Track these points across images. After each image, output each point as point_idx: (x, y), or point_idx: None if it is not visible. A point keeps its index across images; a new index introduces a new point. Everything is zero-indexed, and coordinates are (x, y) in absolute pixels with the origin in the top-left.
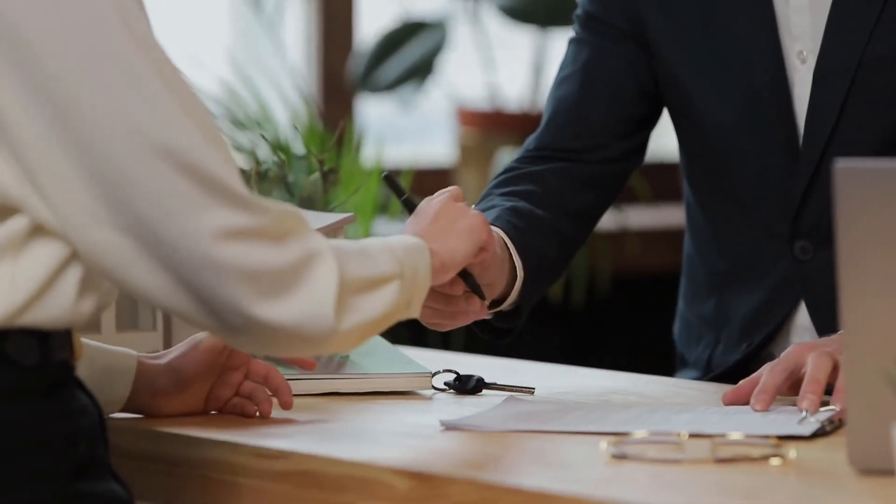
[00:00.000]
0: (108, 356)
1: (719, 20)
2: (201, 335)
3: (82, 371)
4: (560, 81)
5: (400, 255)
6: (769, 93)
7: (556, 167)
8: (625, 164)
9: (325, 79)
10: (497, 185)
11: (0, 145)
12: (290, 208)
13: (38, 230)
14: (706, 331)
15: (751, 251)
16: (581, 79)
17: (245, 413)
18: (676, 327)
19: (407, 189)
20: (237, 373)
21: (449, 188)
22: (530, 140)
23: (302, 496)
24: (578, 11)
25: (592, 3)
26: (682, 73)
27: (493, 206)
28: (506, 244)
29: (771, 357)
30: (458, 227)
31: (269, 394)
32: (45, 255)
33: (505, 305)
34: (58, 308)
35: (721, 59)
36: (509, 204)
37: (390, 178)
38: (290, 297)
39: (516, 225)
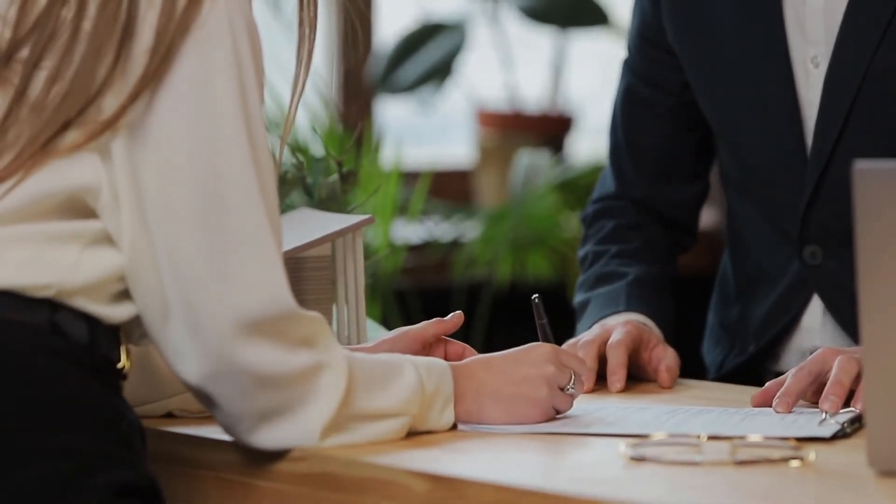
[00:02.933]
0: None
1: (729, 24)
2: (408, 327)
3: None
4: (618, 118)
5: (422, 400)
6: (778, 97)
7: (647, 218)
8: (699, 194)
9: (344, 80)
10: (602, 241)
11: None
12: (317, 317)
13: (111, 239)
14: (724, 335)
15: (767, 255)
16: (638, 127)
17: None
18: (703, 341)
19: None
20: (436, 355)
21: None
22: (606, 189)
23: (321, 498)
24: (630, 34)
25: (641, 20)
26: (693, 76)
27: (614, 274)
28: (649, 325)
29: (777, 358)
30: (517, 393)
31: None
32: (109, 257)
33: None
34: (106, 301)
35: (730, 64)
36: (632, 276)
37: (537, 305)
38: (281, 416)
39: (647, 300)
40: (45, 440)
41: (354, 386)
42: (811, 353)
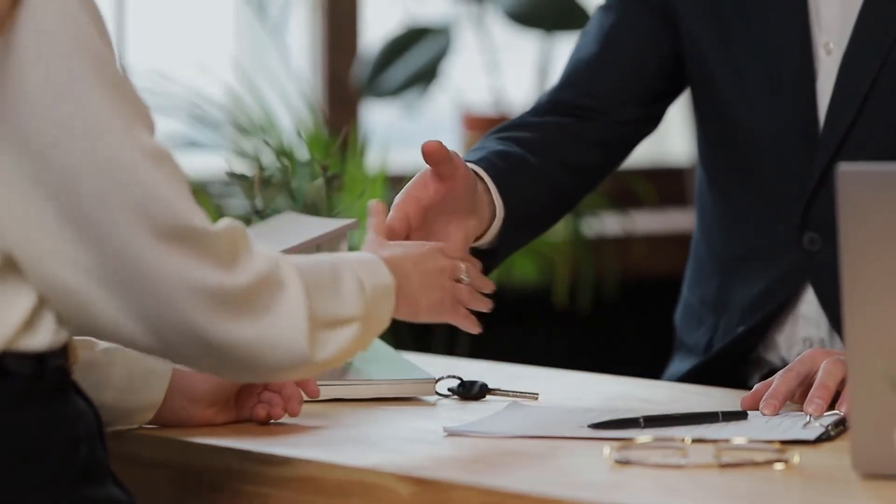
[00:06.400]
0: (144, 361)
1: (752, 4)
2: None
3: (119, 374)
4: (581, 44)
5: (368, 299)
6: (793, 81)
7: (561, 121)
8: (635, 129)
9: (329, 84)
10: (497, 131)
11: None
12: (238, 227)
13: (11, 264)
14: (707, 314)
15: (761, 236)
16: (602, 43)
17: (271, 416)
18: (678, 312)
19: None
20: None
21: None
22: (543, 95)
23: (306, 502)
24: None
25: None
26: (709, 52)
27: (482, 148)
28: (486, 184)
29: (771, 342)
30: (434, 284)
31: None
32: (24, 288)
33: (481, 243)
34: (46, 334)
35: (750, 43)
36: (500, 147)
37: None
38: (253, 319)
39: (499, 166)
40: None
41: (310, 291)
42: (809, 343)
